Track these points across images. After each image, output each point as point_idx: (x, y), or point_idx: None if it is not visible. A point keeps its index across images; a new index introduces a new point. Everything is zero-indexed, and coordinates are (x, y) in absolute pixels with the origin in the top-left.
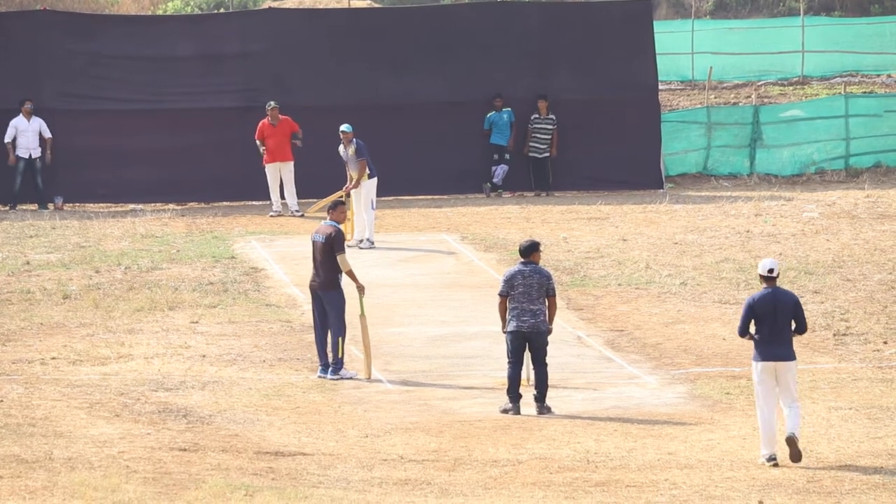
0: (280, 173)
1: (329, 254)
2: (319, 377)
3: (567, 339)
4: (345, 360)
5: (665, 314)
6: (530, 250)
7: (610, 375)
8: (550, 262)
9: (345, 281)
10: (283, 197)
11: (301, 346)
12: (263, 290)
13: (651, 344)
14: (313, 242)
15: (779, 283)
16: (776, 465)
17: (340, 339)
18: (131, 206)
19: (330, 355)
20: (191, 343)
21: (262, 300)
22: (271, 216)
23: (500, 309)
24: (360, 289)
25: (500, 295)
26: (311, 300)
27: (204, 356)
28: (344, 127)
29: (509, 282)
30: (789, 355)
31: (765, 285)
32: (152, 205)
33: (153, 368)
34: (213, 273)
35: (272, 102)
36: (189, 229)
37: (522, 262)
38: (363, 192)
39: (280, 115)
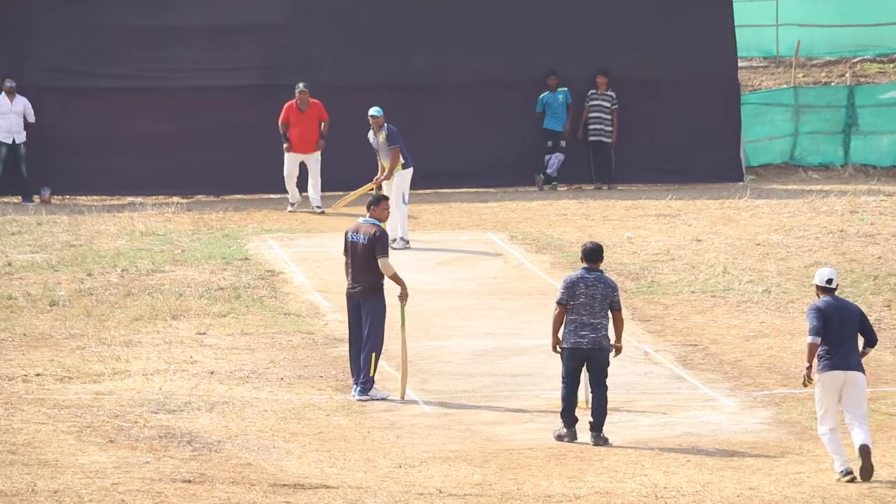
0: (303, 164)
1: (372, 256)
2: (355, 398)
3: (632, 355)
4: (376, 379)
5: (746, 326)
6: (596, 255)
7: (681, 397)
8: (613, 265)
9: (387, 285)
10: (304, 190)
11: (324, 362)
12: (281, 297)
13: (729, 361)
14: (352, 243)
15: (885, 289)
16: (853, 479)
17: (375, 354)
18: (129, 198)
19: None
20: (197, 358)
21: (280, 308)
22: (290, 211)
23: (557, 320)
24: (405, 296)
25: (558, 304)
26: (347, 308)
27: (212, 373)
28: (373, 111)
29: (570, 289)
30: (858, 366)
31: (823, 297)
32: (153, 198)
33: (153, 387)
34: (223, 277)
35: (301, 84)
36: (196, 226)
37: (585, 269)
38: (395, 184)
39: (310, 100)
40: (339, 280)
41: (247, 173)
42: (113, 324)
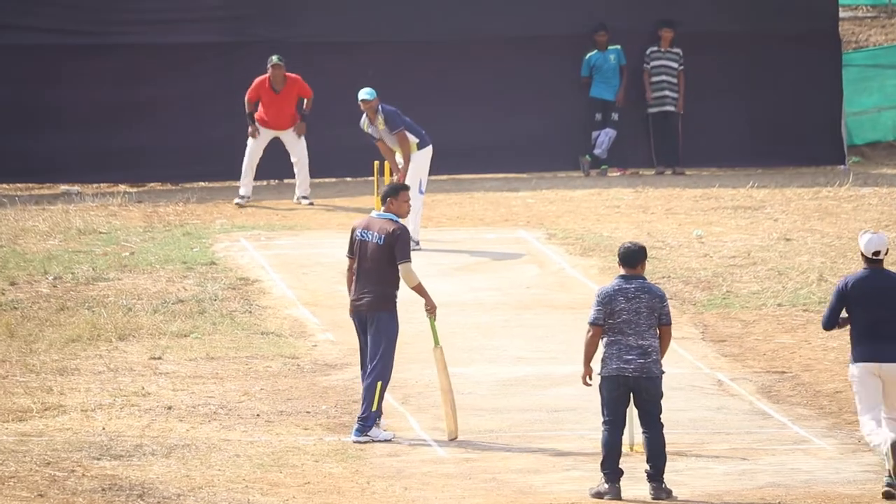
0: (279, 144)
1: (387, 260)
2: (351, 439)
3: (702, 385)
4: (382, 413)
5: (847, 348)
6: (637, 258)
7: (766, 438)
8: (678, 271)
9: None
10: (289, 176)
11: (312, 394)
12: (257, 312)
13: (826, 392)
14: (362, 242)
15: None
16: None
17: (381, 384)
18: (63, 187)
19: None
20: (150, 389)
21: (256, 326)
22: (238, 204)
23: (591, 345)
24: (433, 309)
25: (592, 324)
26: (354, 327)
27: (170, 408)
28: (364, 93)
29: (607, 305)
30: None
31: (865, 266)
32: (94, 186)
33: (95, 426)
34: (183, 286)
35: (275, 57)
36: (149, 222)
37: (623, 276)
38: (411, 170)
39: (286, 76)
40: (330, 291)
41: (212, 155)
42: (43, 346)
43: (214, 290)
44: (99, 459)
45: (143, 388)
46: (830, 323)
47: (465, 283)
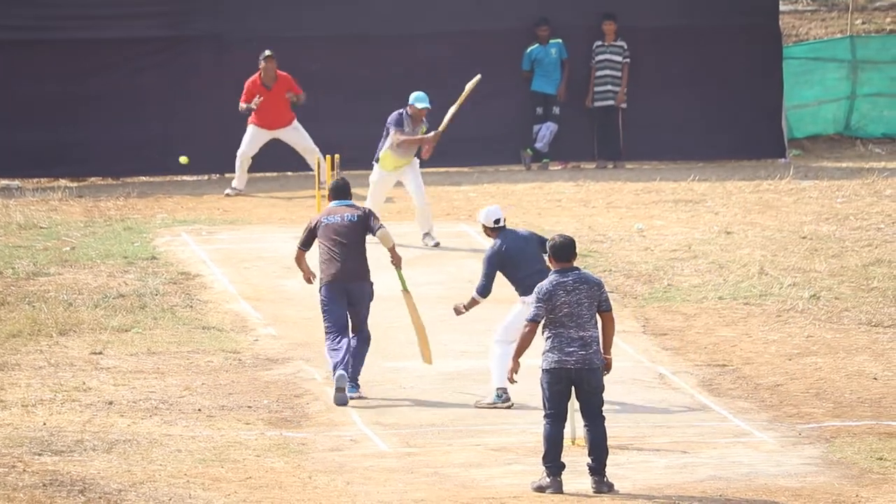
0: (278, 140)
1: (362, 234)
2: (351, 397)
3: (644, 378)
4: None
5: (788, 342)
6: (570, 251)
7: (707, 431)
8: (620, 265)
9: None
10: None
11: (254, 389)
12: (198, 307)
13: (767, 385)
14: (329, 226)
15: None
16: None
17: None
18: (3, 182)
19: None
20: (91, 384)
21: (197, 321)
22: (228, 195)
23: (526, 341)
24: (399, 260)
25: (531, 321)
26: (327, 297)
27: (111, 403)
28: (423, 100)
29: (548, 301)
30: None
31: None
32: (34, 181)
33: (36, 421)
34: (124, 281)
35: (268, 51)
36: (89, 216)
37: (559, 271)
38: (417, 178)
39: (277, 73)
40: (272, 285)
41: (153, 149)
42: None
43: (155, 285)
44: (40, 455)
45: (84, 384)
46: (487, 290)
47: (407, 277)
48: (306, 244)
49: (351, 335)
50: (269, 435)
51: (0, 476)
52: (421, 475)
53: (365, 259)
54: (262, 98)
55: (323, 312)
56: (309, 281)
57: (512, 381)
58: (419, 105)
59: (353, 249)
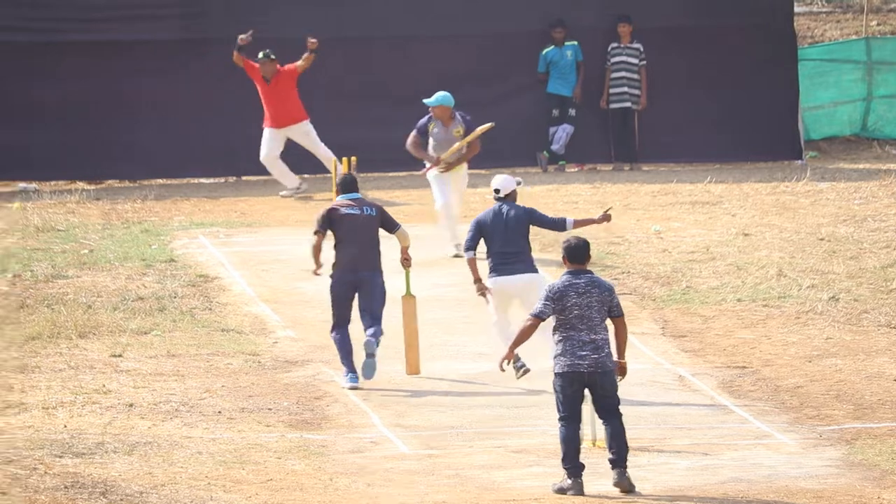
0: (292, 139)
1: (377, 228)
2: (351, 387)
3: (663, 381)
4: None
5: (807, 343)
6: (584, 253)
7: (727, 433)
8: (637, 267)
9: None
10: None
11: (274, 391)
12: (217, 309)
13: (787, 387)
14: (349, 216)
15: None
16: None
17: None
18: (20, 184)
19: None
20: (111, 386)
21: (216, 323)
22: (283, 196)
23: (525, 334)
24: (408, 261)
25: (535, 316)
26: (335, 289)
27: (131, 405)
28: (443, 98)
29: (558, 301)
30: None
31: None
32: (51, 183)
33: (56, 424)
34: (142, 284)
35: (261, 54)
36: (107, 219)
37: (572, 273)
38: (462, 179)
39: (278, 67)
40: (290, 288)
41: (171, 151)
42: (2, 344)
43: (174, 288)
44: (61, 457)
45: (105, 386)
46: (469, 248)
47: (423, 278)
48: (323, 228)
49: (368, 331)
50: (289, 437)
51: (22, 478)
52: (442, 477)
53: (378, 252)
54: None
55: (331, 301)
56: (316, 272)
57: (502, 368)
58: (430, 103)
59: (367, 242)
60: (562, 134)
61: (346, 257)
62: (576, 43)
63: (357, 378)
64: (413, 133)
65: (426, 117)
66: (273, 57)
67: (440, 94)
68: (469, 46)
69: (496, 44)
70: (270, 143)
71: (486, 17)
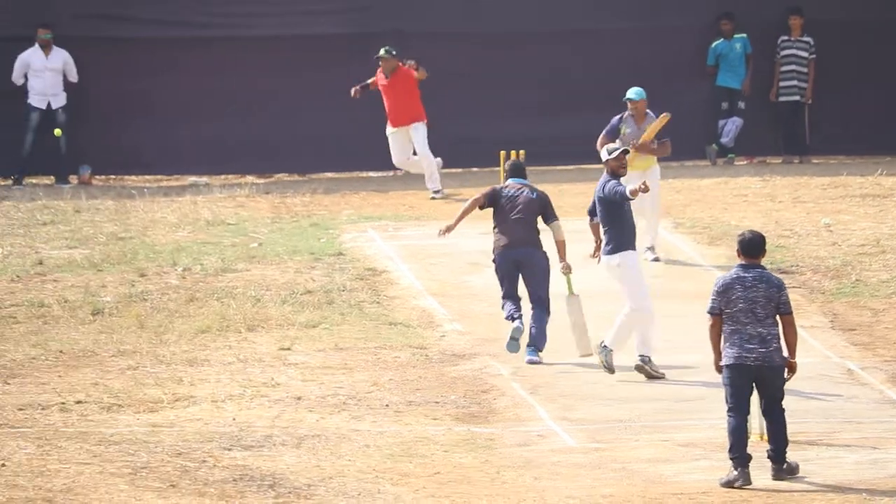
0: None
1: (536, 211)
2: (532, 361)
3: (832, 374)
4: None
5: None
6: (757, 247)
7: None
8: (807, 260)
9: None
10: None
11: (441, 384)
12: (385, 303)
13: None
14: (510, 197)
15: None
16: None
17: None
18: (191, 178)
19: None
20: (280, 379)
21: (384, 316)
22: (434, 198)
23: (714, 334)
24: (568, 267)
25: (710, 313)
26: (499, 266)
27: (299, 398)
28: (633, 93)
29: (724, 294)
30: None
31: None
32: (221, 177)
33: (225, 416)
34: (311, 277)
35: (382, 51)
36: (276, 213)
37: (743, 266)
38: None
39: (399, 66)
40: (458, 281)
41: (339, 146)
42: (173, 337)
43: (342, 281)
44: (230, 450)
45: (273, 379)
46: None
47: (590, 273)
48: (484, 205)
49: (531, 306)
50: (456, 430)
51: (191, 471)
52: (608, 471)
53: (536, 231)
54: (369, 87)
55: (498, 280)
56: (444, 233)
57: (719, 371)
58: (634, 97)
59: (526, 223)
60: (731, 127)
61: (507, 235)
62: (745, 35)
63: (520, 323)
64: (602, 135)
65: (617, 118)
66: (394, 53)
67: (637, 89)
68: (639, 40)
69: (666, 37)
70: (394, 146)
71: (657, 11)
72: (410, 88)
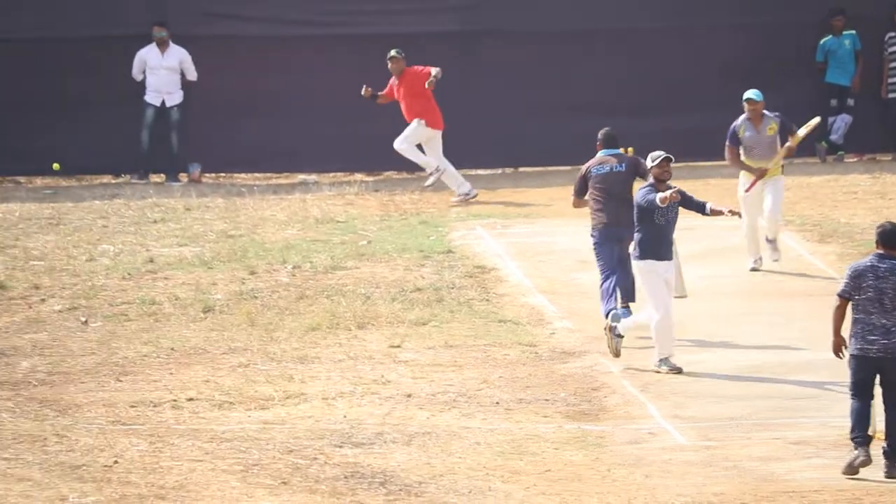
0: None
1: (629, 184)
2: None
3: None
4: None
5: None
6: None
7: None
8: None
9: None
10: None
11: (551, 382)
12: (495, 300)
13: None
14: (601, 176)
15: None
16: None
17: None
18: (300, 176)
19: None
20: (390, 377)
21: (494, 314)
22: (453, 204)
23: (837, 315)
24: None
25: (839, 296)
26: (600, 245)
27: (409, 396)
28: (752, 94)
29: (856, 280)
30: None
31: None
32: (331, 175)
33: (336, 414)
34: (420, 275)
35: (394, 50)
36: (385, 211)
37: (879, 255)
38: (779, 188)
39: (405, 68)
40: (567, 279)
41: (448, 144)
42: (283, 335)
43: (452, 279)
44: (341, 447)
45: (383, 377)
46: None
47: (699, 270)
48: (580, 193)
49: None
50: (567, 428)
51: (302, 468)
52: (720, 469)
53: (631, 207)
54: (377, 94)
55: (596, 256)
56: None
57: (838, 356)
58: (753, 97)
59: (619, 197)
60: (840, 124)
61: (603, 215)
62: (854, 32)
63: (617, 310)
64: (728, 145)
65: (734, 125)
66: (403, 55)
67: (756, 91)
68: (747, 36)
69: (774, 33)
70: (424, 145)
71: (765, 7)
72: (419, 89)
